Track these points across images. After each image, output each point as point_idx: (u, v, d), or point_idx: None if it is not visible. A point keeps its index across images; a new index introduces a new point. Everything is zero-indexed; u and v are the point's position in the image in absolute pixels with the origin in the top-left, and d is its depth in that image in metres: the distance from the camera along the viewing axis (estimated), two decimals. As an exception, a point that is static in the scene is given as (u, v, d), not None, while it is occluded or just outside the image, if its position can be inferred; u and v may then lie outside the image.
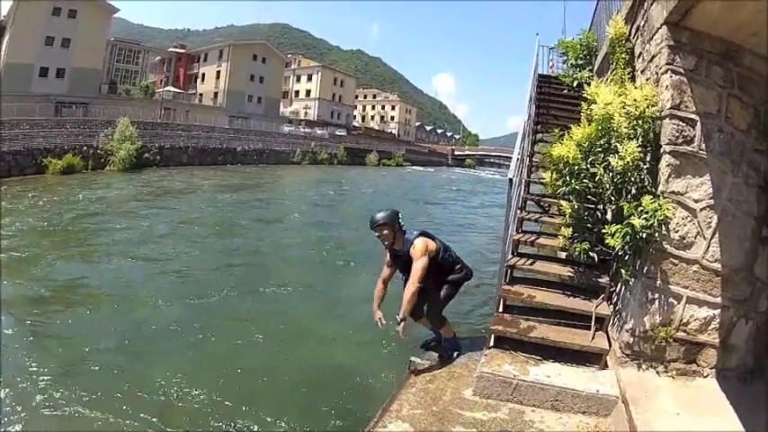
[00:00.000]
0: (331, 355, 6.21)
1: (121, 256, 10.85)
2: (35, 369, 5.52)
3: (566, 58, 7.99)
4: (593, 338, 4.04)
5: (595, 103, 4.05)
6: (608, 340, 4.07)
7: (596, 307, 4.23)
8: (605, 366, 3.92)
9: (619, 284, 4.24)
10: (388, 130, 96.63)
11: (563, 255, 5.45)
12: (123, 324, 6.93)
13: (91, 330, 6.70)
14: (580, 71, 7.54)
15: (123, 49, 55.84)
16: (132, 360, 5.83)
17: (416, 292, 3.92)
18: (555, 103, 7.73)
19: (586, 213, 4.39)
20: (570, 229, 4.45)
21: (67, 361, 5.79)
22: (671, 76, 3.64)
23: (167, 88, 57.70)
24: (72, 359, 5.84)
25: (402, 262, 4.16)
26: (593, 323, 4.13)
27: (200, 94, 61.70)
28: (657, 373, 3.72)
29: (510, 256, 4.95)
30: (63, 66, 42.64)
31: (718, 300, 3.63)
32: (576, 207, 4.39)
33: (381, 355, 6.00)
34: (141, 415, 4.73)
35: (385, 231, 4.10)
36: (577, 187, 4.21)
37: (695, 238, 3.61)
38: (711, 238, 3.61)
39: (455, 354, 4.49)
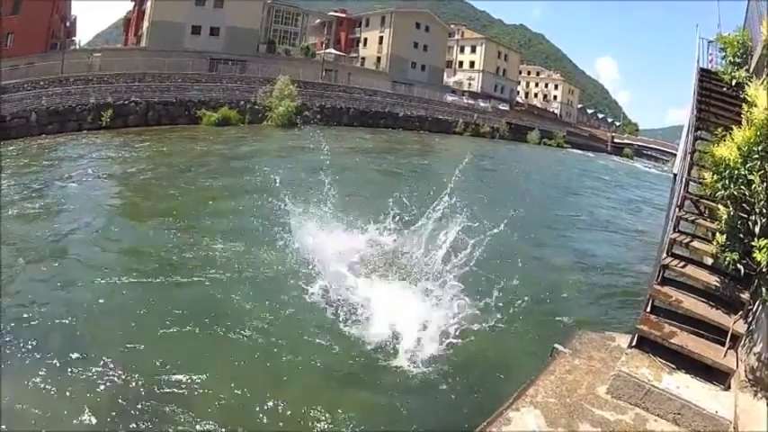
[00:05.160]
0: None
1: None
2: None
3: (724, 54, 7.49)
4: (724, 355, 3.97)
5: (755, 105, 3.92)
6: (737, 360, 3.99)
7: (734, 323, 4.14)
8: (728, 387, 3.87)
9: (756, 303, 4.10)
10: (551, 110, 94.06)
11: (709, 261, 5.29)
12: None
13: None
14: (737, 69, 7.06)
15: (281, 11, 59.78)
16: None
17: None
18: (715, 99, 7.17)
19: (740, 222, 4.26)
20: (724, 237, 4.36)
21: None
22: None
23: (329, 50, 61.19)
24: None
25: None
26: (727, 340, 4.06)
27: (363, 58, 64.84)
28: (768, 404, 3.60)
29: (665, 255, 4.97)
30: (217, 25, 46.04)
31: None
32: (731, 214, 4.28)
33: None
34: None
35: None
36: (735, 193, 4.14)
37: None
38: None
39: None
